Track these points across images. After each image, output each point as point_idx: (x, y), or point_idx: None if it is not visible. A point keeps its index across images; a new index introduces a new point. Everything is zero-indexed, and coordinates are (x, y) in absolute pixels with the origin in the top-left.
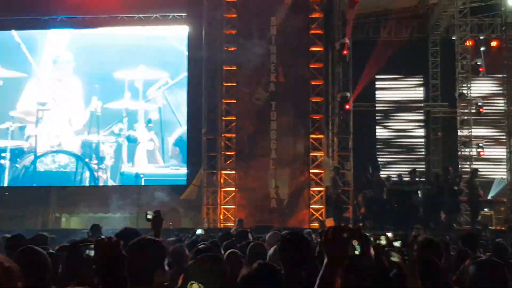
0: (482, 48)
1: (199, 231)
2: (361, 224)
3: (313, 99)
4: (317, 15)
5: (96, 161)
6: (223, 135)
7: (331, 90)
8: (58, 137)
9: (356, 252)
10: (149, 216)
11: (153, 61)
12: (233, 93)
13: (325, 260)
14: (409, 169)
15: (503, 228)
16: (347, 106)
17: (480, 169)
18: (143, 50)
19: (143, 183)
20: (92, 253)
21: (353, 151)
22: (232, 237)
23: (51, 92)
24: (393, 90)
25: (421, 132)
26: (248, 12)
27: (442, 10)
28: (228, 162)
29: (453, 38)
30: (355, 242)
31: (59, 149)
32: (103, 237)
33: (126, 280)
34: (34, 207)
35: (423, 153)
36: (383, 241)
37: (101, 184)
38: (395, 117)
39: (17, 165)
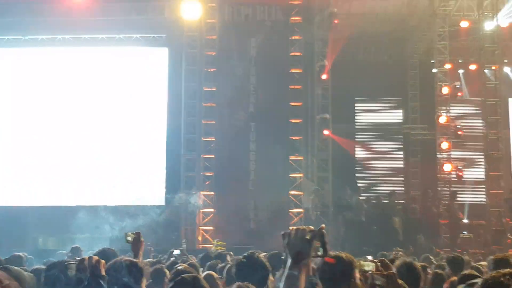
0: (460, 71)
1: (176, 252)
2: (323, 226)
3: (293, 121)
4: (297, 37)
5: None
6: (202, 155)
7: (310, 111)
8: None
9: (319, 253)
10: (129, 238)
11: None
12: (212, 113)
13: (289, 261)
14: (388, 192)
15: (482, 251)
16: (326, 128)
17: (459, 192)
18: (124, 69)
19: None
20: (73, 272)
21: (332, 172)
22: (211, 259)
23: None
24: (373, 112)
25: (400, 154)
26: (228, 33)
27: (421, 34)
28: (207, 182)
29: (432, 61)
30: (317, 244)
31: None
32: (84, 257)
33: None
34: (10, 227)
35: (402, 175)
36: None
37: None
38: (375, 139)
39: None
